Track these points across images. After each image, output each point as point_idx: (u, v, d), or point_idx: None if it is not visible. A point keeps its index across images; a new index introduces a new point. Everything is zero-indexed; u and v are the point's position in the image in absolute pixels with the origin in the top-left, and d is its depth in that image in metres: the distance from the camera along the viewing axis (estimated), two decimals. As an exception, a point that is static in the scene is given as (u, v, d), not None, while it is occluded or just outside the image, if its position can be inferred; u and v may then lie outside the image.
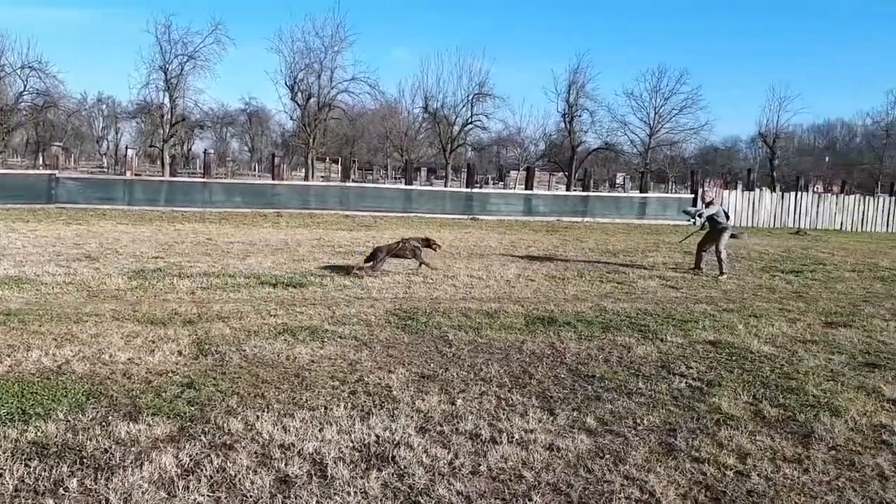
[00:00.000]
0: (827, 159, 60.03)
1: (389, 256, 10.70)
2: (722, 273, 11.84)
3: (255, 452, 3.78)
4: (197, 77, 37.92)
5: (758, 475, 3.74)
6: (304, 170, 41.15)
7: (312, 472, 3.54)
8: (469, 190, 27.90)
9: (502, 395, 4.94)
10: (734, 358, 6.27)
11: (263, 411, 4.38)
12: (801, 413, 4.78)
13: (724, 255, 12.02)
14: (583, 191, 31.11)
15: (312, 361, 5.63)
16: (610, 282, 10.79)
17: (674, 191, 46.82)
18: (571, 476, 3.62)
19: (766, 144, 45.07)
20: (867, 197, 31.21)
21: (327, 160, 54.24)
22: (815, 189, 43.63)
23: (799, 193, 29.95)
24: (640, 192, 30.19)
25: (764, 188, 34.99)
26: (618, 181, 57.52)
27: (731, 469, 3.80)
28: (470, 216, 24.88)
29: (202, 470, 3.51)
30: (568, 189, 37.29)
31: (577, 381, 5.41)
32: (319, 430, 4.07)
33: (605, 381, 5.43)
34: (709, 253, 12.47)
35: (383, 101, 45.72)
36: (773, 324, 7.85)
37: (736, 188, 34.01)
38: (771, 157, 44.30)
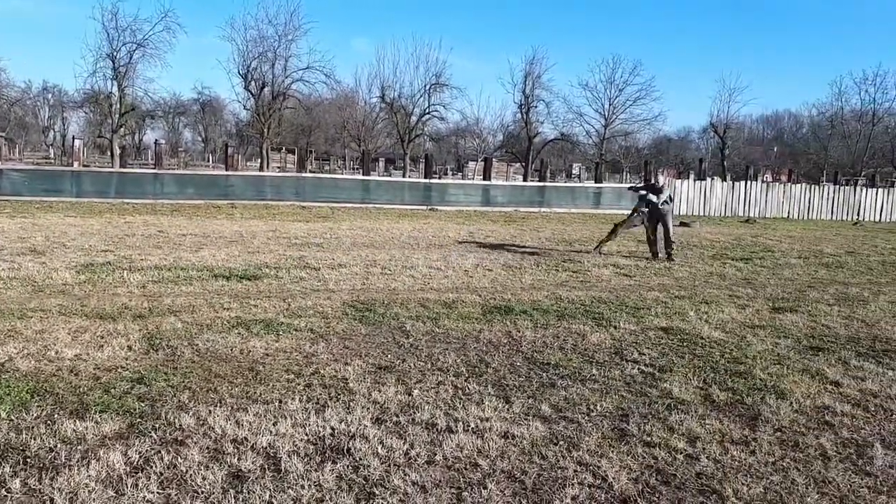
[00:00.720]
0: (775, 149, 61.75)
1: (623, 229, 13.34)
2: (671, 257, 12.54)
3: (208, 448, 3.71)
4: (147, 66, 36.95)
5: (707, 458, 3.83)
6: (258, 160, 40.50)
7: (266, 467, 3.50)
8: (427, 180, 27.86)
9: (459, 385, 4.96)
10: (685, 344, 6.42)
11: (216, 406, 4.31)
12: (748, 396, 4.92)
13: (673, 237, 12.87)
14: (540, 181, 31.35)
15: (267, 355, 5.56)
16: (566, 271, 10.92)
17: (628, 181, 47.52)
18: (526, 463, 3.66)
19: (717, 135, 46.08)
20: (813, 186, 32.23)
21: (283, 150, 53.50)
22: (764, 178, 44.89)
23: (749, 183, 30.75)
24: (595, 182, 30.60)
25: (715, 177, 35.79)
26: (574, 171, 58.13)
27: (682, 452, 3.89)
28: (428, 207, 24.87)
29: (152, 467, 3.44)
30: (525, 179, 37.53)
31: (533, 368, 5.47)
32: (273, 424, 4.03)
33: (559, 368, 5.50)
34: (659, 238, 12.95)
35: (339, 91, 45.32)
36: (723, 310, 8.05)
37: (688, 177, 34.71)
38: (722, 147, 45.31)
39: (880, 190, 32.62)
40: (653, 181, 14.07)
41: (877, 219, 30.70)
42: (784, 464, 3.82)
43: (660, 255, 12.78)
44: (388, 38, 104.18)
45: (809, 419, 4.54)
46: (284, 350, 5.71)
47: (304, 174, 27.66)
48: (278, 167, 46.66)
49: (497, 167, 46.99)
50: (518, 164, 49.12)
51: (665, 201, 12.85)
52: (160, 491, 3.24)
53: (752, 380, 5.33)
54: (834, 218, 30.38)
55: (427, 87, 39.69)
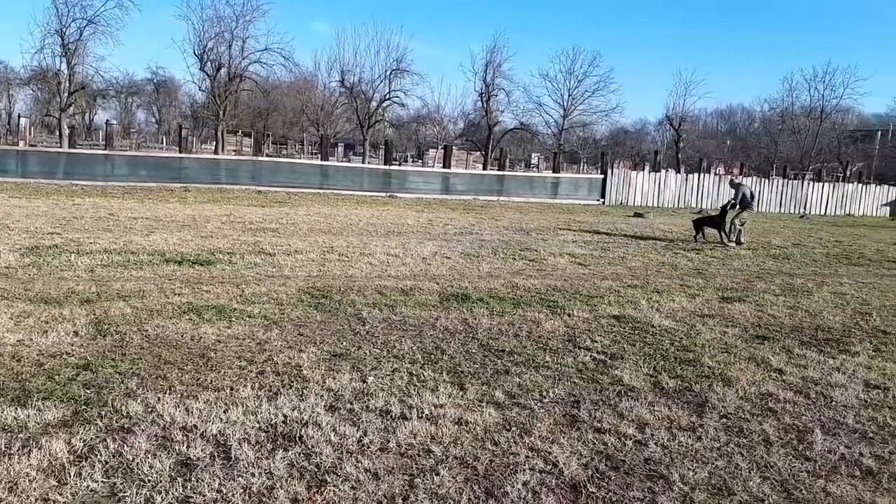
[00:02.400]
0: (728, 143, 63.19)
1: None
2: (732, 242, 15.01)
3: (155, 435, 3.64)
4: (98, 43, 35.68)
5: (655, 444, 3.92)
6: (213, 143, 39.64)
7: (216, 454, 3.45)
8: (387, 167, 27.69)
9: (414, 372, 4.96)
10: (636, 332, 6.54)
11: (165, 393, 4.23)
12: (696, 384, 5.04)
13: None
14: (499, 170, 31.47)
15: (219, 341, 5.47)
16: (522, 259, 11.01)
17: (585, 171, 48.04)
18: (478, 449, 3.69)
19: (673, 127, 46.83)
20: (763, 179, 33.10)
21: (239, 133, 52.43)
22: (717, 171, 45.88)
23: (702, 175, 31.41)
24: (553, 172, 30.86)
25: (670, 170, 36.43)
26: (533, 161, 58.48)
27: (631, 438, 3.97)
28: (388, 194, 24.75)
29: (97, 455, 3.36)
30: (485, 168, 37.60)
31: (488, 356, 5.50)
32: (224, 412, 3.97)
33: (514, 355, 5.55)
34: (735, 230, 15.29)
35: (298, 74, 44.61)
36: (674, 299, 8.23)
37: (643, 169, 35.27)
38: (677, 140, 46.10)
39: (826, 185, 33.73)
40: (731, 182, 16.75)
41: (822, 212, 31.75)
42: (729, 449, 3.93)
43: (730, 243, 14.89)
44: (349, 21, 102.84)
45: (754, 406, 4.68)
46: (237, 337, 5.63)
47: (260, 158, 27.17)
48: (234, 150, 45.73)
49: (457, 155, 46.96)
50: (478, 153, 49.18)
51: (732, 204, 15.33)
52: (105, 480, 3.16)
53: (701, 367, 5.47)
54: (782, 211, 31.29)
55: (387, 73, 39.34)
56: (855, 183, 35.48)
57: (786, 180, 33.57)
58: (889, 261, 13.91)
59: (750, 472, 3.63)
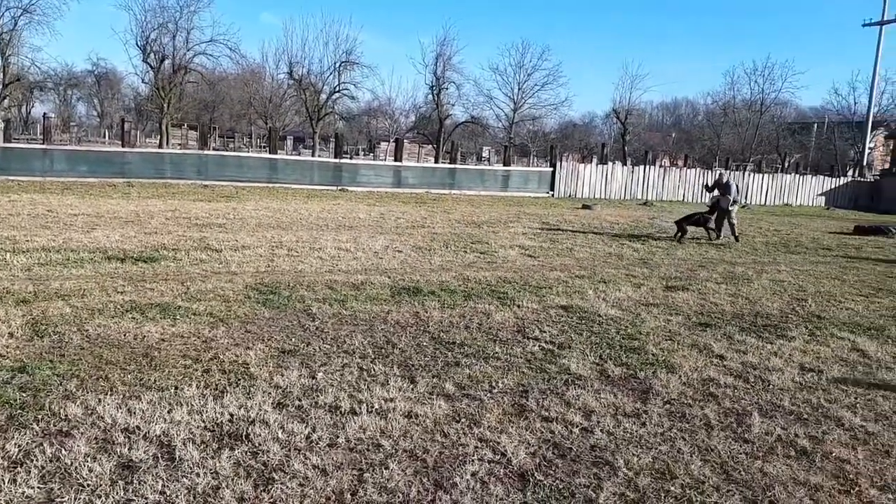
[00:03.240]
0: (673, 135, 64.68)
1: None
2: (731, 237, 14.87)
3: (96, 438, 3.54)
4: (34, 33, 34.54)
5: (601, 430, 4.01)
6: (158, 137, 38.59)
7: (159, 456, 3.38)
8: (338, 160, 27.40)
9: (364, 367, 4.94)
10: (584, 321, 6.66)
11: (106, 394, 4.11)
12: (641, 371, 5.17)
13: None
14: (451, 163, 31.53)
15: (163, 340, 5.35)
16: (474, 252, 11.07)
17: (535, 164, 48.52)
18: (428, 442, 3.71)
19: (619, 120, 47.68)
20: (706, 171, 34.00)
21: (185, 127, 51.14)
22: (662, 163, 46.95)
23: (647, 167, 32.07)
24: (504, 165, 31.07)
25: (617, 162, 37.10)
26: (484, 154, 58.75)
27: (578, 426, 4.05)
28: (339, 187, 24.51)
29: (33, 460, 3.25)
30: (436, 161, 37.60)
31: (439, 348, 5.52)
32: (168, 412, 3.89)
33: (464, 347, 5.58)
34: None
35: (245, 66, 43.71)
36: (620, 288, 8.40)
37: (591, 162, 35.82)
38: (623, 133, 46.97)
39: (766, 175, 34.85)
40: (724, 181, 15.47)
41: (762, 202, 32.81)
42: (672, 434, 4.04)
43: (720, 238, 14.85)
44: (297, 12, 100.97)
45: (696, 391, 4.82)
46: (182, 335, 5.51)
47: (206, 152, 26.59)
48: (179, 144, 44.61)
49: (409, 148, 46.85)
50: (430, 146, 49.14)
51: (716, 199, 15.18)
52: (41, 486, 3.06)
53: (645, 355, 5.60)
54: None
55: (337, 65, 38.91)
56: (793, 174, 36.74)
57: (728, 171, 34.55)
58: (824, 248, 14.48)
59: (692, 456, 3.74)
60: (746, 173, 34.78)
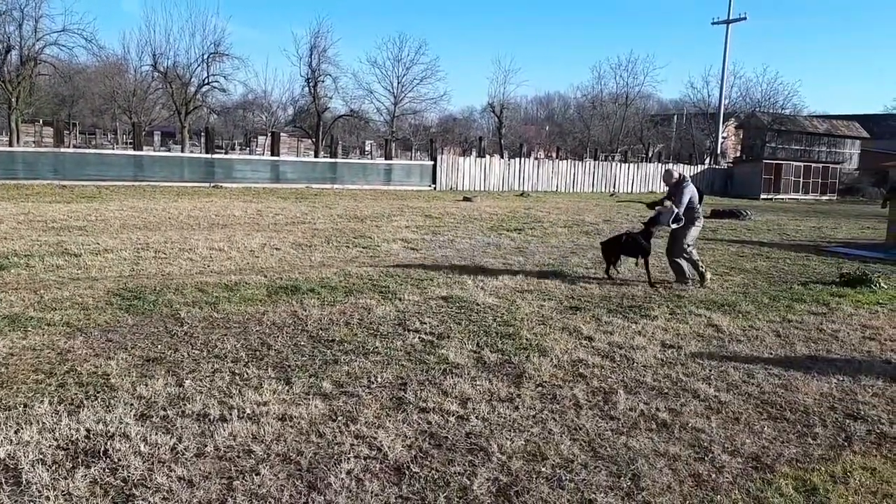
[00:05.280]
0: (547, 128, 67.09)
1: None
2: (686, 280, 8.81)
3: (-73, 469, 3.19)
4: None
5: (476, 417, 4.09)
6: (7, 134, 35.32)
7: (2, 481, 3.09)
8: (210, 156, 26.26)
9: (237, 371, 4.76)
10: (463, 310, 6.77)
11: (-59, 419, 3.72)
12: (515, 356, 5.32)
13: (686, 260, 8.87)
14: (332, 157, 31.06)
15: (12, 354, 4.90)
16: (356, 246, 10.97)
17: (418, 158, 48.79)
18: (303, 443, 3.63)
19: (495, 114, 48.85)
20: (577, 162, 35.56)
21: (39, 123, 47.13)
22: (537, 156, 48.58)
23: (523, 160, 33.10)
24: (386, 159, 31.01)
25: (494, 155, 38.00)
26: (367, 149, 58.36)
27: (454, 415, 4.11)
28: (212, 184, 23.52)
29: None
30: (316, 156, 36.90)
31: (317, 346, 5.42)
32: (15, 432, 3.57)
33: (344, 343, 5.52)
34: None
35: (105, 58, 40.91)
36: (497, 277, 8.62)
37: (471, 155, 36.48)
38: (499, 126, 48.15)
39: (632, 165, 36.94)
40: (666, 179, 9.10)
41: (629, 190, 34.76)
42: (543, 416, 4.19)
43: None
44: (159, 2, 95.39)
45: (566, 373, 5.03)
46: (34, 348, 5.08)
47: (64, 150, 24.62)
48: (34, 142, 41.08)
49: (288, 143, 45.59)
50: (310, 140, 48.15)
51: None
52: None
53: (520, 340, 5.78)
54: (595, 190, 33.85)
55: (205, 57, 37.20)
56: (656, 163, 39.16)
57: (597, 162, 36.33)
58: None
59: (562, 436, 3.89)
60: (614, 163, 36.65)
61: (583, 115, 57.43)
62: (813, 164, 41.41)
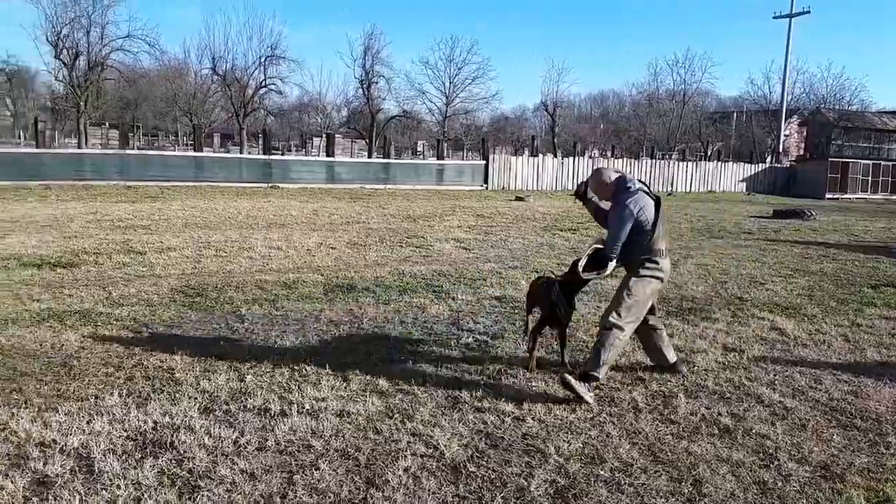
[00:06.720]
0: (601, 126, 66.17)
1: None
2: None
3: (8, 454, 3.35)
4: (-68, 28, 32.22)
5: (532, 418, 4.06)
6: (77, 137, 36.92)
7: (77, 469, 3.22)
8: (267, 157, 26.86)
9: (296, 367, 4.85)
10: (517, 311, 6.72)
11: (20, 407, 3.90)
12: (571, 357, 5.25)
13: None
14: (384, 158, 31.37)
15: (83, 348, 5.12)
16: (409, 246, 11.04)
17: (469, 158, 48.83)
18: (360, 440, 3.67)
19: (548, 113, 48.55)
20: (633, 160, 34.95)
21: (105, 126, 49.15)
22: (591, 154, 47.98)
23: (576, 159, 32.72)
24: (438, 159, 31.12)
25: (547, 154, 37.69)
26: (419, 149, 58.73)
27: (510, 416, 4.09)
28: (269, 184, 24.02)
29: (-63, 483, 3.05)
30: (370, 156, 37.35)
31: (373, 344, 5.48)
32: (87, 423, 3.72)
33: (399, 342, 5.56)
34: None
35: (166, 62, 42.36)
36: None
37: (523, 154, 36.30)
38: (552, 125, 47.81)
39: (690, 163, 36.11)
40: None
41: (687, 189, 33.97)
42: (601, 418, 4.13)
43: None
44: (218, 7, 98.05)
45: (625, 375, 4.94)
46: (103, 342, 5.29)
47: (129, 151, 25.61)
48: (100, 144, 42.84)
49: (342, 144, 46.36)
50: (363, 141, 48.78)
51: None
52: (-53, 508, 2.88)
53: (576, 341, 5.70)
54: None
55: (262, 60, 38.16)
56: (715, 161, 38.17)
57: (654, 160, 35.64)
58: (746, 233, 15.11)
59: (620, 440, 3.83)
60: (671, 162, 35.89)
61: (638, 112, 56.48)
62: (882, 163, 39.65)
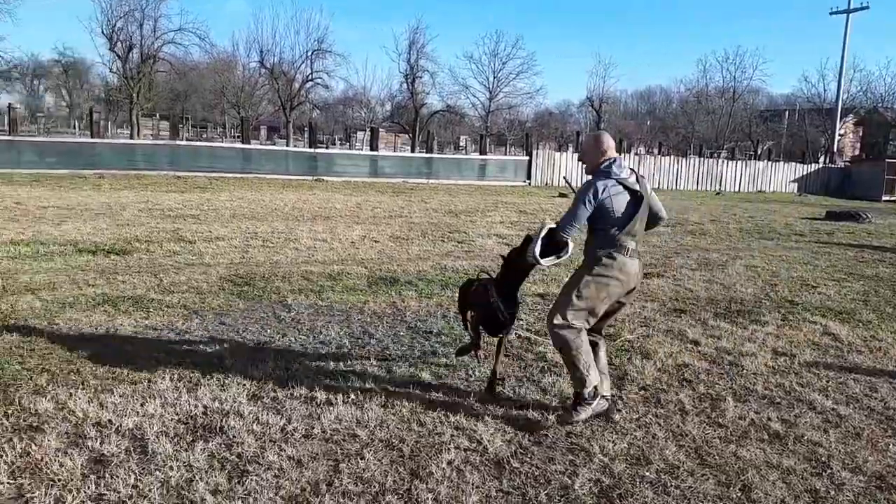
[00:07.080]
0: (648, 123, 65.12)
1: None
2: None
3: (67, 433, 3.48)
4: (-5, 21, 33.54)
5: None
6: (129, 128, 37.99)
7: (131, 449, 3.33)
8: (313, 150, 27.20)
9: (340, 357, 4.92)
10: (561, 309, 6.67)
11: (77, 388, 4.04)
12: (616, 357, 5.20)
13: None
14: (427, 153, 31.45)
15: (136, 333, 5.27)
16: (451, 241, 11.06)
17: (512, 153, 48.65)
18: (404, 431, 3.70)
19: (594, 108, 48.00)
20: (680, 158, 34.31)
21: (156, 117, 50.41)
22: (637, 151, 47.28)
23: (623, 155, 32.26)
24: (480, 154, 31.05)
25: (594, 150, 37.31)
26: (461, 144, 58.69)
27: (554, 413, 4.06)
28: (314, 177, 24.32)
29: (2, 456, 3.18)
30: (413, 151, 37.49)
31: (416, 337, 5.51)
32: (141, 405, 3.83)
33: (441, 336, 5.58)
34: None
35: (216, 55, 43.23)
36: (597, 276, 8.43)
37: (567, 150, 35.97)
38: (598, 121, 47.27)
39: (739, 162, 35.28)
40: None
41: (736, 189, 33.20)
42: (647, 420, 4.08)
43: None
44: (266, 0, 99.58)
45: (671, 377, 4.87)
46: (155, 327, 5.44)
47: (178, 142, 26.20)
48: (151, 135, 43.98)
49: (385, 138, 46.61)
50: (406, 135, 48.99)
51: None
52: (11, 481, 3.00)
53: (621, 341, 5.64)
54: (699, 188, 32.53)
55: (309, 53, 38.63)
56: (765, 161, 37.21)
57: (702, 159, 34.92)
58: (797, 234, 14.69)
59: (666, 441, 3.78)
60: (720, 160, 35.13)
61: (686, 109, 55.41)
62: (944, 164, 38.08)
